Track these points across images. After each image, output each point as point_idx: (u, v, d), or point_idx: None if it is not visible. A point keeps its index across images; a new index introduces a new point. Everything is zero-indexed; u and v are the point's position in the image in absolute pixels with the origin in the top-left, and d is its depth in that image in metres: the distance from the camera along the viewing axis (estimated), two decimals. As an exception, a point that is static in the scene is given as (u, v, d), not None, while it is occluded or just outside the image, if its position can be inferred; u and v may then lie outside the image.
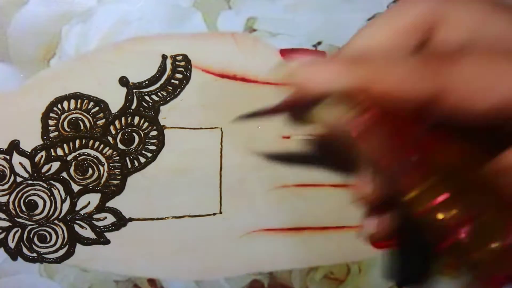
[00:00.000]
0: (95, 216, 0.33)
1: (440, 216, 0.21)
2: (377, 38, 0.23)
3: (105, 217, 0.33)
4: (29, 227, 0.33)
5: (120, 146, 0.33)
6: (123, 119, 0.33)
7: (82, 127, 0.33)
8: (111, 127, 0.33)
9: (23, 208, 0.33)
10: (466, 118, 0.21)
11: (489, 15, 0.22)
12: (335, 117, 0.22)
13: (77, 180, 0.33)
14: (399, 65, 0.21)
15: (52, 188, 0.33)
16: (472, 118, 0.21)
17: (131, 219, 0.34)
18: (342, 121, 0.22)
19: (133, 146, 0.33)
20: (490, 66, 0.21)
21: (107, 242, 0.34)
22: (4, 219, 0.33)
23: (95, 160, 0.33)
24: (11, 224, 0.33)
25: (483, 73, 0.21)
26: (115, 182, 0.33)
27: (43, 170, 0.33)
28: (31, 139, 0.33)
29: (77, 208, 0.33)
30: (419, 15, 0.23)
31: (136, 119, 0.33)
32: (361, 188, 0.24)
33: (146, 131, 0.33)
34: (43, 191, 0.33)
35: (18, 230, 0.33)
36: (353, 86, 0.22)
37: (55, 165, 0.33)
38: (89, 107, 0.33)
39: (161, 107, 0.34)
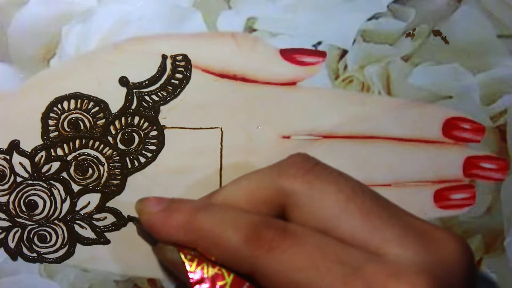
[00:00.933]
0: (95, 216, 0.33)
1: None
2: (235, 200, 0.24)
3: (105, 217, 0.33)
4: (29, 227, 0.33)
5: (120, 146, 0.33)
6: (123, 119, 0.33)
7: (82, 127, 0.33)
8: (111, 127, 0.33)
9: (23, 208, 0.33)
10: None
11: (344, 208, 0.22)
12: (173, 259, 0.24)
13: (77, 180, 0.33)
14: (225, 235, 0.22)
15: (52, 188, 0.33)
16: None
17: (131, 219, 0.34)
18: (177, 265, 0.24)
19: (133, 146, 0.33)
20: (303, 270, 0.20)
21: (107, 242, 0.34)
22: (4, 219, 0.33)
23: (95, 160, 0.33)
24: (11, 224, 0.33)
25: (293, 274, 0.20)
26: (115, 182, 0.33)
27: (43, 170, 0.33)
28: (31, 139, 0.33)
29: (77, 208, 0.33)
30: (269, 191, 0.23)
31: (136, 119, 0.33)
32: None
33: (146, 131, 0.33)
34: (43, 191, 0.33)
35: (18, 230, 0.33)
36: (186, 243, 0.23)
37: (55, 165, 0.33)
38: (89, 107, 0.33)
39: (161, 107, 0.34)
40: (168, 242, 0.24)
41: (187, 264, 0.23)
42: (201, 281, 0.23)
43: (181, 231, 0.23)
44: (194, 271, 0.23)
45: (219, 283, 0.22)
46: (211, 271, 0.23)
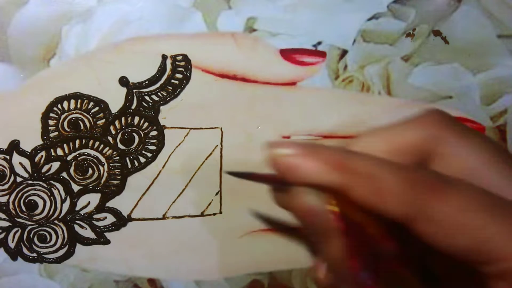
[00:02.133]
0: (95, 216, 0.33)
1: None
2: (374, 149, 0.23)
3: (105, 217, 0.33)
4: (29, 227, 0.33)
5: (120, 146, 0.33)
6: (123, 119, 0.33)
7: (82, 127, 0.33)
8: (111, 127, 0.33)
9: (23, 208, 0.33)
10: (433, 247, 0.21)
11: (486, 165, 0.22)
12: (312, 204, 0.22)
13: (77, 180, 0.33)
14: (385, 177, 0.21)
15: (52, 188, 0.33)
16: (439, 250, 0.21)
17: (131, 219, 0.34)
18: (317, 210, 0.22)
19: (133, 146, 0.33)
20: (470, 215, 0.20)
21: (107, 242, 0.34)
22: (4, 219, 0.33)
23: (95, 160, 0.33)
24: (11, 224, 0.33)
25: (464, 218, 0.20)
26: (115, 182, 0.33)
27: (43, 170, 0.33)
28: (31, 139, 0.33)
29: (77, 208, 0.33)
30: (418, 139, 0.23)
31: (136, 119, 0.33)
32: (317, 271, 0.24)
33: (146, 131, 0.33)
34: (43, 191, 0.33)
35: (18, 230, 0.33)
36: (335, 186, 0.22)
37: (55, 165, 0.33)
38: (89, 107, 0.33)
39: (161, 107, 0.33)
40: (311, 185, 0.22)
41: (332, 206, 0.21)
42: (349, 227, 0.21)
43: (329, 170, 0.21)
44: (340, 216, 0.21)
45: (369, 230, 0.21)
46: (355, 217, 0.22)
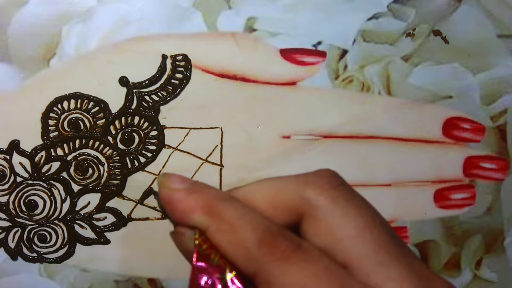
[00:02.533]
0: (95, 216, 0.33)
1: None
2: (255, 198, 0.24)
3: (105, 217, 0.33)
4: (29, 227, 0.33)
5: (120, 146, 0.33)
6: (123, 119, 0.33)
7: (82, 127, 0.33)
8: (111, 127, 0.33)
9: (23, 208, 0.33)
10: None
11: (354, 239, 0.22)
12: (184, 242, 0.24)
13: (77, 180, 0.33)
14: (243, 230, 0.22)
15: (52, 188, 0.33)
16: None
17: (131, 219, 0.34)
18: (186, 248, 0.24)
19: (133, 146, 0.33)
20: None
21: (107, 242, 0.34)
22: (4, 219, 0.33)
23: (95, 160, 0.33)
24: (11, 224, 0.33)
25: (303, 284, 0.20)
26: (115, 182, 0.33)
27: (43, 170, 0.33)
28: (31, 139, 0.33)
29: (77, 208, 0.33)
30: (294, 198, 0.23)
31: (136, 119, 0.33)
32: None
33: (146, 131, 0.33)
34: (43, 191, 0.33)
35: (18, 230, 0.33)
36: (201, 228, 0.23)
37: (55, 165, 0.33)
38: (89, 107, 0.33)
39: (161, 107, 0.34)
40: (182, 222, 0.24)
41: (198, 241, 0.23)
42: (204, 264, 0.22)
43: (198, 212, 0.23)
44: (202, 251, 0.23)
45: (218, 275, 0.22)
46: (217, 260, 0.23)
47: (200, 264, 0.22)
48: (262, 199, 0.24)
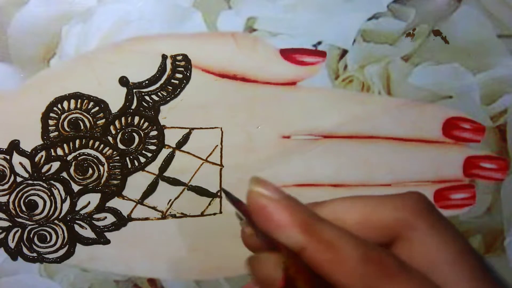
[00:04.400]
0: (95, 216, 0.33)
1: None
2: (345, 217, 0.23)
3: (105, 217, 0.33)
4: (29, 227, 0.33)
5: (120, 146, 0.33)
6: (123, 119, 0.33)
7: (82, 127, 0.33)
8: (111, 127, 0.33)
9: (23, 208, 0.33)
10: None
11: (449, 263, 0.22)
12: (268, 268, 0.23)
13: (77, 180, 0.33)
14: (344, 249, 0.22)
15: (52, 188, 0.33)
16: None
17: (131, 219, 0.34)
18: (269, 275, 0.22)
19: (133, 146, 0.33)
20: None
21: (107, 242, 0.34)
22: (4, 219, 0.33)
23: (95, 160, 0.33)
24: (11, 224, 0.33)
25: None
26: (115, 182, 0.33)
27: (43, 170, 0.33)
28: (31, 139, 0.33)
29: (77, 208, 0.33)
30: (389, 219, 0.23)
31: (136, 119, 0.33)
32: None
33: (146, 131, 0.33)
34: (43, 191, 0.33)
35: (18, 230, 0.33)
36: (296, 246, 0.22)
37: (55, 165, 0.33)
38: (89, 107, 0.33)
39: (161, 107, 0.34)
40: (273, 235, 0.23)
41: (286, 265, 0.22)
42: None
43: (296, 228, 0.22)
44: (290, 275, 0.22)
45: None
46: (303, 285, 0.22)
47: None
48: (354, 218, 0.23)
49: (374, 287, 0.21)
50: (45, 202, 0.33)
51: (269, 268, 0.22)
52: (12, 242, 0.33)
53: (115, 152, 0.33)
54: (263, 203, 0.23)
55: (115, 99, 0.33)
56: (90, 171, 0.33)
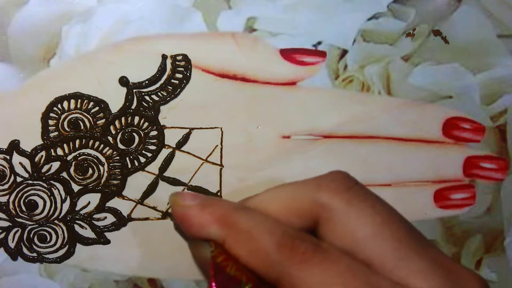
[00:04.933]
0: (95, 216, 0.33)
1: None
2: (269, 207, 0.24)
3: (105, 217, 0.33)
4: (29, 227, 0.33)
5: (120, 146, 0.33)
6: (123, 119, 0.33)
7: (82, 127, 0.33)
8: (111, 127, 0.33)
9: (23, 208, 0.33)
10: None
11: (371, 237, 0.22)
12: (201, 253, 0.24)
13: (77, 180, 0.33)
14: (261, 238, 0.22)
15: (52, 188, 0.33)
16: None
17: (131, 219, 0.34)
18: (204, 259, 0.24)
19: (133, 146, 0.33)
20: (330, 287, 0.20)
21: (107, 242, 0.34)
22: (4, 219, 0.33)
23: (95, 160, 0.33)
24: (11, 224, 0.33)
25: (328, 283, 0.20)
26: (115, 182, 0.33)
27: (43, 170, 0.33)
28: (31, 139, 0.33)
29: (77, 208, 0.33)
30: (307, 203, 0.23)
31: (136, 119, 0.33)
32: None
33: (146, 131, 0.33)
34: (43, 191, 0.33)
35: (18, 230, 0.33)
36: (218, 240, 0.23)
37: (55, 165, 0.33)
38: (89, 107, 0.33)
39: (161, 107, 0.34)
40: (198, 236, 0.24)
41: (213, 254, 0.23)
42: (220, 277, 0.22)
43: (214, 225, 0.23)
44: (219, 263, 0.22)
45: (235, 286, 0.22)
46: (234, 271, 0.22)
47: (215, 278, 0.22)
48: (276, 207, 0.24)
49: (287, 274, 0.21)
50: (45, 202, 0.33)
51: (202, 254, 0.24)
52: (12, 242, 0.33)
53: (115, 152, 0.33)
54: (183, 213, 0.24)
55: (115, 99, 0.33)
56: (90, 171, 0.33)
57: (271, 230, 0.22)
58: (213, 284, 0.22)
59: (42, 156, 0.33)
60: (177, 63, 0.34)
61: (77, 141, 0.33)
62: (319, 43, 0.35)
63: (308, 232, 0.23)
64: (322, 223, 0.23)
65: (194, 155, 0.34)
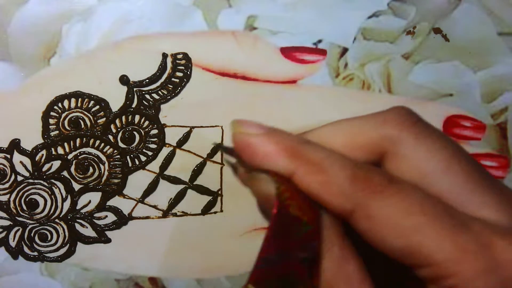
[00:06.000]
0: (96, 214, 0.33)
1: None
2: (331, 141, 0.23)
3: (106, 216, 0.33)
4: (30, 226, 0.33)
5: (121, 144, 0.33)
6: (123, 117, 0.33)
7: (82, 126, 0.33)
8: (112, 126, 0.33)
9: (24, 207, 0.33)
10: (373, 244, 0.21)
11: (440, 172, 0.22)
12: (264, 187, 0.23)
13: (77, 178, 0.33)
14: (332, 170, 0.22)
15: (53, 187, 0.33)
16: (378, 247, 0.21)
17: (132, 218, 0.34)
18: (266, 194, 0.23)
19: (133, 145, 0.33)
20: (410, 216, 0.20)
21: (108, 240, 0.34)
22: (5, 218, 0.33)
23: (95, 159, 0.33)
24: (12, 223, 0.33)
25: (399, 219, 0.20)
26: (116, 180, 0.33)
27: (44, 169, 0.33)
28: (31, 138, 0.33)
29: (78, 207, 0.33)
30: (375, 137, 0.23)
31: (137, 117, 0.33)
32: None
33: (146, 129, 0.33)
34: (44, 190, 0.33)
35: (19, 229, 0.33)
36: (286, 172, 0.22)
37: (56, 164, 0.33)
38: (89, 105, 0.33)
39: (162, 106, 0.34)
40: (261, 168, 0.23)
41: (279, 191, 0.22)
42: (283, 216, 0.21)
43: (283, 155, 0.22)
44: (283, 201, 0.22)
45: (295, 226, 0.21)
46: (297, 211, 0.22)
47: (278, 215, 0.21)
48: (340, 141, 0.23)
49: (363, 204, 0.21)
50: (45, 201, 0.33)
51: (265, 187, 0.23)
52: (13, 241, 0.33)
53: (115, 151, 0.33)
54: (247, 141, 0.23)
55: (116, 98, 0.33)
56: (91, 170, 0.33)
57: (342, 163, 0.22)
58: (275, 220, 0.21)
59: (42, 155, 0.33)
60: (177, 61, 0.34)
61: (78, 140, 0.33)
62: (320, 41, 0.35)
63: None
64: (388, 157, 0.22)
65: (194, 154, 0.34)
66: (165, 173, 0.34)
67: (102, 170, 0.33)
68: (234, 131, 0.24)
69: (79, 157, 0.33)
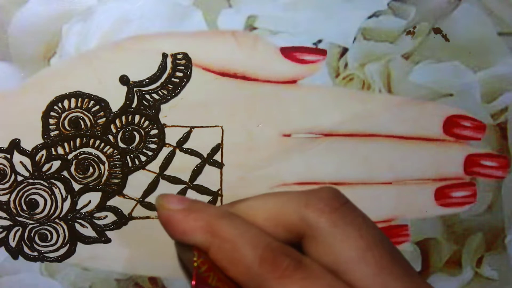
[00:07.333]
0: (96, 214, 0.33)
1: None
2: (255, 214, 0.24)
3: (106, 216, 0.33)
4: (30, 226, 0.33)
5: (121, 144, 0.33)
6: (123, 117, 0.33)
7: (82, 126, 0.33)
8: (112, 126, 0.33)
9: (24, 207, 0.33)
10: None
11: (361, 256, 0.22)
12: (186, 258, 0.24)
13: (77, 178, 0.33)
14: (243, 248, 0.22)
15: (53, 187, 0.33)
16: None
17: (132, 218, 0.34)
18: (187, 265, 0.24)
19: (133, 145, 0.33)
20: None
21: (108, 240, 0.34)
22: (5, 218, 0.33)
23: (95, 159, 0.33)
24: (12, 223, 0.33)
25: None
26: (116, 180, 0.33)
27: (44, 169, 0.33)
28: (31, 138, 0.33)
29: (78, 207, 0.33)
30: (294, 218, 0.23)
31: (137, 117, 0.33)
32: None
33: (146, 129, 0.33)
34: (44, 190, 0.33)
35: (19, 229, 0.33)
36: (201, 246, 0.23)
37: (56, 164, 0.33)
38: (89, 105, 0.33)
39: (162, 106, 0.34)
40: (181, 241, 0.24)
41: (197, 264, 0.23)
42: (202, 287, 0.22)
43: (198, 232, 0.23)
44: (201, 273, 0.23)
45: None
46: (216, 282, 0.23)
47: (200, 281, 0.22)
48: (263, 216, 0.24)
49: (267, 287, 0.21)
50: (45, 201, 0.33)
51: (187, 255, 0.24)
52: (13, 241, 0.33)
53: (115, 151, 0.33)
54: (167, 217, 0.24)
55: (116, 98, 0.33)
56: (91, 170, 0.33)
57: (255, 242, 0.22)
58: None
59: (42, 155, 0.33)
60: (177, 61, 0.34)
61: (78, 140, 0.33)
62: (320, 41, 0.35)
63: (294, 244, 0.23)
64: (307, 239, 0.23)
65: (194, 154, 0.34)
66: (165, 173, 0.34)
67: (102, 170, 0.33)
68: (157, 207, 0.25)
69: (79, 157, 0.33)
